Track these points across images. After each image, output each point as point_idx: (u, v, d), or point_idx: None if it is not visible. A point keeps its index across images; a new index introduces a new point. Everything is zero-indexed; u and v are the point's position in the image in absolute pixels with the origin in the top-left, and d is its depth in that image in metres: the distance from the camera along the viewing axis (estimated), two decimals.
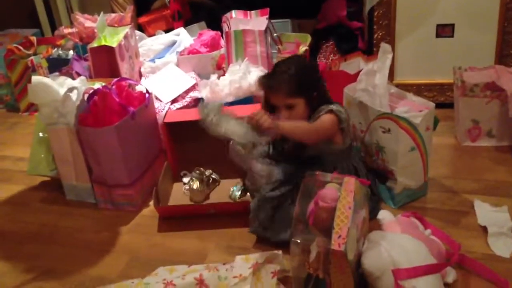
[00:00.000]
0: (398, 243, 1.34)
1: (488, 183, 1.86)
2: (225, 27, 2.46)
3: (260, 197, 1.62)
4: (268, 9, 2.61)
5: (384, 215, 1.53)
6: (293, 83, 1.58)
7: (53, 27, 3.50)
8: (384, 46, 1.74)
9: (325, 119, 1.59)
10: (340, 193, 1.30)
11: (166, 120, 1.99)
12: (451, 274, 1.40)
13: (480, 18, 2.32)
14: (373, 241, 1.35)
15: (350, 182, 1.34)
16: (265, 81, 1.64)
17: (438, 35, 2.39)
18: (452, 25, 2.36)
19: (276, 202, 1.60)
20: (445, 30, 2.37)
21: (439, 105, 2.07)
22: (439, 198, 1.80)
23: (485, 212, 1.68)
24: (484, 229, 1.60)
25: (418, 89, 2.45)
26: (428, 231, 1.51)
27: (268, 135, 1.48)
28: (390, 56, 1.73)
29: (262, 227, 1.62)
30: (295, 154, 1.68)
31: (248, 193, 1.83)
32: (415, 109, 1.70)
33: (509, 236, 1.56)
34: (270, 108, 1.63)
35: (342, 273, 1.25)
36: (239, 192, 1.85)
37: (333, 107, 1.61)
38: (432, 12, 2.35)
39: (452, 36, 2.37)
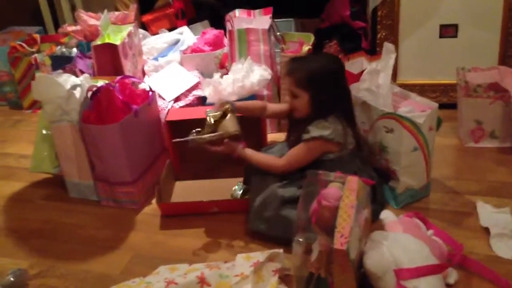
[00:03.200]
0: (400, 243, 1.34)
1: (490, 184, 1.86)
2: (228, 26, 2.46)
3: (268, 194, 1.61)
4: (271, 8, 2.61)
5: (386, 215, 1.52)
6: (306, 76, 1.61)
7: (57, 24, 3.51)
8: (388, 46, 1.74)
9: (301, 150, 1.63)
10: (343, 192, 1.30)
11: (168, 119, 2.00)
12: (452, 275, 1.40)
13: (484, 19, 2.32)
14: (375, 241, 1.35)
15: (353, 181, 1.33)
16: (288, 63, 1.70)
17: (441, 35, 2.39)
18: (456, 26, 2.36)
19: (284, 201, 1.60)
20: (448, 31, 2.37)
21: (442, 106, 2.07)
22: (442, 198, 1.80)
23: (487, 213, 1.68)
24: (487, 230, 1.60)
25: (422, 90, 2.45)
26: (431, 231, 1.51)
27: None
28: (393, 56, 1.73)
29: (266, 224, 1.62)
30: None
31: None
32: (418, 109, 1.70)
33: (511, 238, 1.56)
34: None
35: (344, 272, 1.25)
36: (241, 191, 1.85)
37: (315, 133, 1.60)
38: (436, 12, 2.35)
39: (456, 37, 2.37)
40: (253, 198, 1.67)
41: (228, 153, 1.65)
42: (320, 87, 1.62)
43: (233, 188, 1.89)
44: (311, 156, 1.64)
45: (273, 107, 1.89)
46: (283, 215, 1.58)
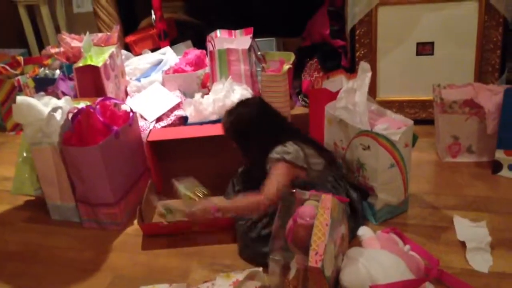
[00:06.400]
0: (376, 260, 1.36)
1: (468, 198, 1.89)
2: (209, 46, 2.49)
3: (255, 235, 1.62)
4: (252, 28, 2.65)
5: (364, 231, 1.55)
6: (228, 130, 1.75)
7: (41, 46, 3.52)
8: (363, 65, 1.77)
9: (272, 177, 1.61)
10: (318, 210, 1.32)
11: (150, 139, 2.01)
12: None
13: (459, 36, 2.37)
14: (352, 258, 1.37)
15: (327, 199, 1.36)
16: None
17: (418, 53, 2.43)
18: (432, 43, 2.40)
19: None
20: (425, 48, 2.42)
21: (421, 122, 2.11)
22: (420, 213, 1.82)
23: (464, 227, 1.70)
24: (463, 244, 1.62)
25: (400, 106, 2.49)
26: (407, 246, 1.52)
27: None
28: (369, 74, 1.76)
29: (254, 253, 1.62)
30: None
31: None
32: (394, 126, 1.73)
33: (487, 251, 1.59)
34: None
35: None
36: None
37: (277, 156, 1.62)
38: (412, 30, 2.40)
39: (432, 54, 2.42)
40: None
41: (206, 216, 1.65)
42: (242, 136, 1.73)
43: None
44: (283, 181, 1.60)
45: None
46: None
